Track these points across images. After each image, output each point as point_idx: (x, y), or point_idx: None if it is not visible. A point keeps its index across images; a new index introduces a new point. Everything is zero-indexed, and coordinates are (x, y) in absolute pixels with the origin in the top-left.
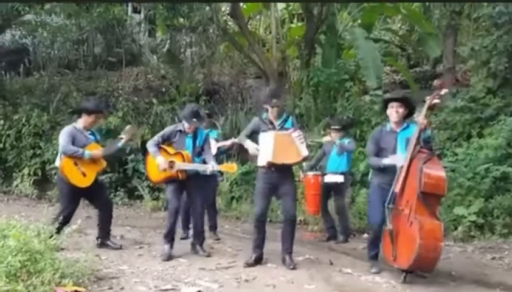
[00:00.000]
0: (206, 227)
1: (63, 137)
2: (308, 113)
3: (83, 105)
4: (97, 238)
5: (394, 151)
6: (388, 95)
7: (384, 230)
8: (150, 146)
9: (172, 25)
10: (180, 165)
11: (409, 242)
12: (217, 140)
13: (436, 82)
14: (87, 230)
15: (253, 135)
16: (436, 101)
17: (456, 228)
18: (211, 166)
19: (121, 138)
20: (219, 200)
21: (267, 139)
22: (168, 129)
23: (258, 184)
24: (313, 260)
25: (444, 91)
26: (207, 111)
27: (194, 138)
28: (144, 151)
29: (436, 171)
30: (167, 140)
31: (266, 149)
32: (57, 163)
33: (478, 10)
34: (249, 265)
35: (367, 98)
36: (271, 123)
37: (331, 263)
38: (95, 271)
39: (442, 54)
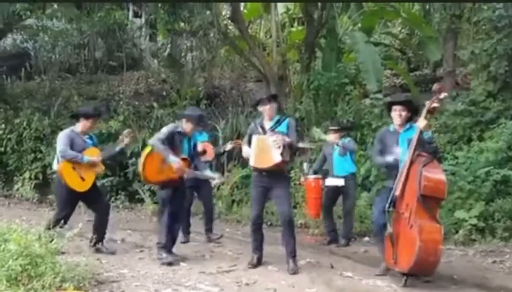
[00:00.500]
0: (203, 230)
1: (61, 140)
2: (309, 117)
3: (81, 109)
4: (91, 242)
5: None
6: (391, 99)
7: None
8: (159, 145)
9: (173, 30)
10: (190, 171)
11: (409, 245)
12: (214, 145)
13: (435, 86)
14: (88, 234)
15: (251, 140)
16: (435, 105)
17: (457, 231)
18: (217, 178)
19: (120, 142)
20: (219, 203)
21: (252, 143)
22: (168, 130)
23: (251, 187)
24: (314, 264)
25: (443, 95)
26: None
27: (189, 140)
28: None
29: (436, 174)
30: (168, 140)
31: (251, 153)
32: (55, 166)
33: (478, 14)
34: (252, 266)
35: (367, 101)
36: (262, 127)
37: (332, 267)
38: (95, 275)
39: (443, 57)
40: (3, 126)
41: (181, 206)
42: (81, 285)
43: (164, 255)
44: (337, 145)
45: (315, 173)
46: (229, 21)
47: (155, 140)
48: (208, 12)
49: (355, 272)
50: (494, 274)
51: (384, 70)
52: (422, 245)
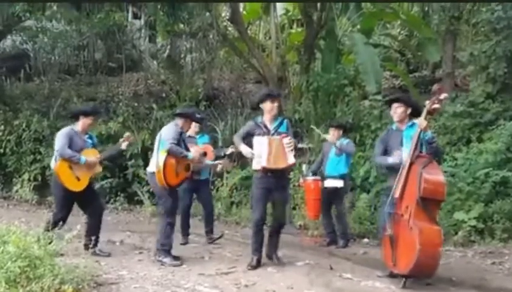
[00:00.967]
0: (203, 232)
1: (60, 139)
2: (308, 118)
3: (80, 108)
4: (85, 245)
5: (399, 149)
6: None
7: (384, 236)
8: (174, 148)
9: (173, 31)
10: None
11: (409, 248)
12: (214, 147)
13: (435, 87)
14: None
15: (248, 138)
16: (435, 105)
17: (456, 233)
18: (220, 165)
19: (120, 145)
20: (218, 205)
21: (261, 143)
22: (175, 132)
23: (253, 188)
24: (313, 265)
25: (443, 95)
26: (203, 117)
27: (183, 140)
28: (145, 157)
29: (435, 176)
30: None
31: (261, 154)
32: (52, 165)
33: (477, 15)
34: (252, 268)
35: (367, 103)
36: (265, 126)
37: (331, 268)
38: (94, 277)
39: (442, 59)
40: (2, 127)
41: (177, 206)
42: (80, 286)
43: (165, 259)
44: (335, 145)
45: (314, 174)
46: (228, 23)
47: (171, 145)
48: (207, 13)
49: (354, 274)
50: (493, 275)
51: (383, 72)
52: (422, 248)
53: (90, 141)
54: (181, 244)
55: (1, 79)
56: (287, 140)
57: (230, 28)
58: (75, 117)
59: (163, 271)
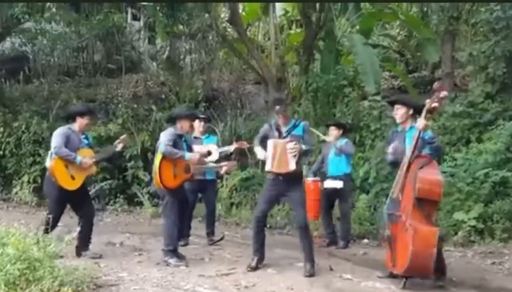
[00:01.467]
0: (203, 233)
1: (57, 138)
2: (307, 119)
3: (75, 108)
4: (77, 247)
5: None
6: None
7: (383, 236)
8: (170, 150)
9: (172, 32)
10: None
11: (404, 248)
12: (218, 146)
13: (435, 85)
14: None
15: (265, 141)
16: (434, 104)
17: (456, 233)
18: (225, 167)
19: (115, 146)
20: (218, 206)
21: (269, 146)
22: (171, 134)
23: (264, 187)
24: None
25: (443, 94)
26: (206, 116)
27: (186, 141)
28: (144, 158)
29: (432, 176)
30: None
31: (268, 157)
32: (47, 163)
33: (476, 16)
34: (252, 269)
35: (366, 103)
36: (278, 129)
37: (331, 269)
38: (94, 279)
39: (441, 59)
40: (1, 129)
41: (183, 208)
42: (80, 288)
43: (170, 259)
44: (334, 145)
45: (313, 174)
46: (228, 24)
47: (165, 147)
48: (206, 15)
49: (354, 274)
50: (493, 275)
51: (382, 72)
52: (415, 250)
53: (86, 141)
54: (181, 245)
55: (0, 82)
56: (291, 145)
57: (229, 29)
58: (71, 118)
59: (163, 273)
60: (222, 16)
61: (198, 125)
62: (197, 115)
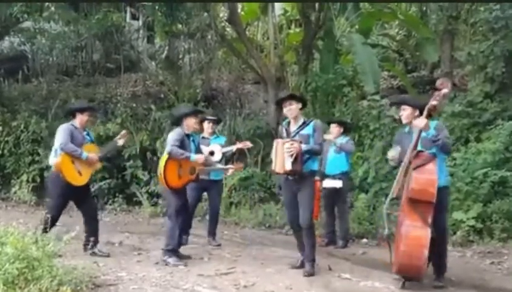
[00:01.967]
0: (204, 232)
1: (62, 134)
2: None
3: (75, 105)
4: (85, 245)
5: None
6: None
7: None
8: (176, 151)
9: (171, 32)
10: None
11: (398, 248)
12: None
13: (438, 81)
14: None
15: None
16: (433, 102)
17: (455, 233)
18: (231, 170)
19: (116, 142)
20: None
21: (273, 147)
22: (178, 134)
23: (282, 191)
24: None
25: (444, 91)
26: (215, 117)
27: (193, 141)
28: (143, 157)
29: (427, 175)
30: (180, 145)
31: (272, 157)
32: (51, 160)
33: (475, 15)
34: (294, 267)
35: (365, 103)
36: (287, 129)
37: (330, 269)
38: (93, 278)
39: (440, 59)
40: (0, 128)
41: (186, 207)
42: (79, 288)
43: (169, 259)
44: (335, 143)
45: None
46: (227, 23)
47: (171, 147)
48: (205, 14)
49: (353, 274)
50: (492, 275)
51: (381, 72)
52: (406, 250)
53: (88, 138)
54: (180, 244)
55: None
56: (287, 145)
57: (228, 29)
58: (71, 115)
59: (162, 272)
60: (221, 15)
61: (207, 126)
62: (202, 113)
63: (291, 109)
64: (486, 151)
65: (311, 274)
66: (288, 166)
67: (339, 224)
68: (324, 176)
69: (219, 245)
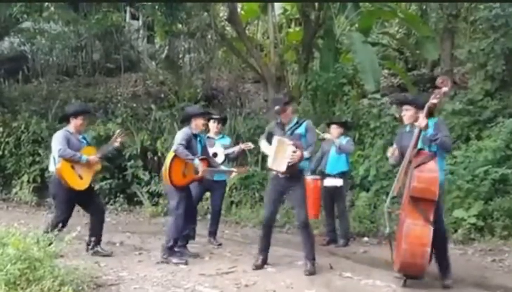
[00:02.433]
0: (205, 232)
1: (58, 140)
2: (307, 117)
3: (68, 110)
4: (88, 245)
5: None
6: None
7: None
8: (182, 151)
9: (171, 31)
10: (210, 169)
11: (399, 246)
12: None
13: (438, 79)
14: (87, 237)
15: (270, 138)
16: (433, 101)
17: (456, 231)
18: (234, 172)
19: (112, 142)
20: None
21: (273, 142)
22: (186, 134)
23: (268, 186)
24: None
25: (444, 89)
26: (221, 117)
27: (200, 141)
28: (144, 157)
29: (428, 174)
30: (188, 145)
31: (270, 153)
32: (51, 168)
33: (475, 13)
34: (257, 267)
35: (365, 101)
36: (282, 127)
37: (331, 267)
38: (94, 278)
39: (440, 57)
40: (1, 129)
41: (191, 206)
42: (80, 288)
43: (169, 257)
44: (334, 144)
45: (312, 172)
46: (226, 23)
47: (178, 147)
48: (205, 13)
49: (354, 273)
50: (493, 272)
51: (381, 70)
52: (408, 248)
53: (84, 142)
54: (188, 237)
55: None
56: (291, 151)
57: (228, 28)
58: (66, 120)
59: (163, 272)
60: (221, 14)
61: (213, 126)
62: (211, 115)
63: (286, 114)
64: (487, 149)
65: (311, 272)
66: (283, 169)
67: (339, 223)
68: (324, 175)
69: (220, 244)
